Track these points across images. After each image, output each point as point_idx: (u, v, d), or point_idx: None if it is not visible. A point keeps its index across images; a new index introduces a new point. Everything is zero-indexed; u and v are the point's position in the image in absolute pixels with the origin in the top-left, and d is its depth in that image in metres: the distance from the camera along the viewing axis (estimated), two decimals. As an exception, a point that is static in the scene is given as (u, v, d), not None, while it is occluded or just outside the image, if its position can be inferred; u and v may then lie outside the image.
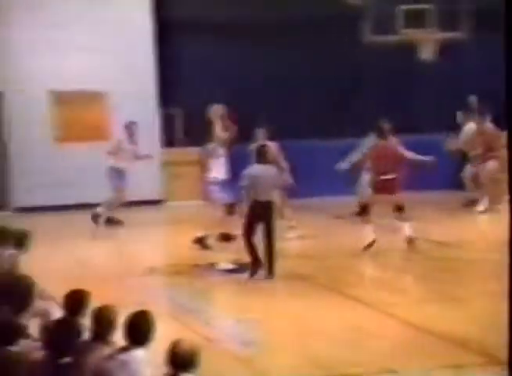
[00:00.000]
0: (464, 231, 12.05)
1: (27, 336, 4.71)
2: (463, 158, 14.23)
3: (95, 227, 12.71)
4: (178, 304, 8.65)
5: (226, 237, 10.75)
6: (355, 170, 12.33)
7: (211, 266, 10.11)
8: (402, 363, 6.71)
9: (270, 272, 9.49)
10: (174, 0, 15.23)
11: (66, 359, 4.77)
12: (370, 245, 10.68)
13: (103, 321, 5.19)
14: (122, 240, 11.93)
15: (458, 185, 14.31)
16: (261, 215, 9.44)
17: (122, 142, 13.14)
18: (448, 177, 14.76)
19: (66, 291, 5.61)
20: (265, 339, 7.51)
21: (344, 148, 13.34)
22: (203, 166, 11.31)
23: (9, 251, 7.14)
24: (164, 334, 5.38)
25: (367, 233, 10.73)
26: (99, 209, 12.89)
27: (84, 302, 5.45)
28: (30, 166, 14.49)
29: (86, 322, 5.34)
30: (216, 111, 11.48)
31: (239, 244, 10.19)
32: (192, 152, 14.42)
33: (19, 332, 4.75)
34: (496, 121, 13.22)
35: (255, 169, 9.67)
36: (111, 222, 13.01)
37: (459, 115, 14.67)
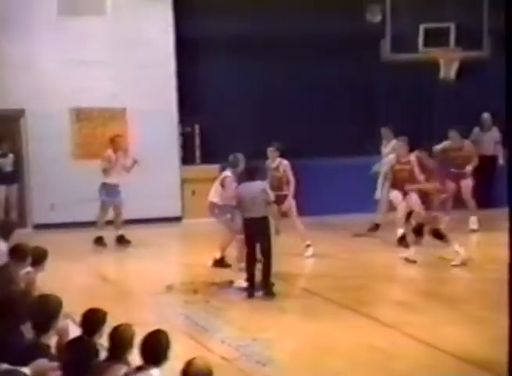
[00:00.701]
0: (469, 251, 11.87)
1: (49, 356, 4.71)
2: None
3: (102, 248, 12.78)
4: (194, 322, 8.63)
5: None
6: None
7: (228, 284, 10.09)
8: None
9: (267, 292, 9.46)
10: (194, 18, 15.28)
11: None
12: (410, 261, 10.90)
13: (120, 340, 5.19)
14: (140, 257, 11.93)
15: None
16: (254, 232, 9.47)
17: (110, 157, 13.17)
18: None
19: (83, 309, 5.61)
20: (281, 358, 7.48)
21: (363, 166, 13.38)
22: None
23: (26, 269, 7.16)
24: (179, 353, 5.37)
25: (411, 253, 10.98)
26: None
27: (101, 322, 5.45)
28: (49, 183, 14.56)
29: (103, 341, 5.34)
30: None
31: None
32: (210, 169, 14.49)
33: (43, 352, 4.76)
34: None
35: (243, 187, 9.73)
36: (121, 241, 13.04)
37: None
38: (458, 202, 13.30)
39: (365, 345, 7.83)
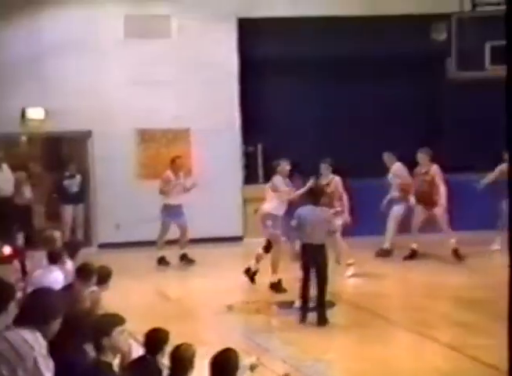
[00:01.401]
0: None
1: (112, 374, 4.76)
2: None
3: (165, 267, 12.90)
4: (256, 342, 8.60)
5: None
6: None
7: (289, 305, 10.06)
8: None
9: (320, 320, 9.21)
10: (257, 38, 15.40)
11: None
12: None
13: (181, 360, 5.22)
14: (202, 276, 12.00)
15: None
16: (311, 258, 9.23)
17: (169, 177, 13.24)
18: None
19: (146, 328, 5.66)
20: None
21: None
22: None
23: (92, 288, 7.26)
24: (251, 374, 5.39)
25: None
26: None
27: (164, 341, 5.49)
28: (115, 203, 14.79)
29: (165, 360, 5.37)
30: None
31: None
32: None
33: (105, 371, 4.80)
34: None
35: (306, 211, 9.43)
36: (184, 259, 13.13)
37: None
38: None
39: (430, 367, 7.72)
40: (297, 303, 9.88)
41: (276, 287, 10.87)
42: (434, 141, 15.14)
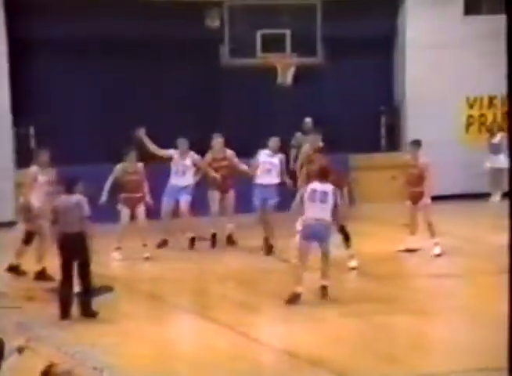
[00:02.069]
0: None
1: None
2: None
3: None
4: (28, 329, 8.29)
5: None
6: None
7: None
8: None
9: (86, 313, 8.86)
10: (26, 18, 14.86)
11: None
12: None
13: None
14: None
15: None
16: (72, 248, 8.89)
17: None
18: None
19: None
20: (121, 363, 7.39)
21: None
22: None
23: None
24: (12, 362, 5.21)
25: None
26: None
27: None
28: None
29: None
30: None
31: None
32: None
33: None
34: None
35: (61, 200, 9.14)
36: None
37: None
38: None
39: (207, 346, 7.90)
40: (75, 289, 9.66)
41: (42, 275, 10.59)
42: (211, 125, 15.44)
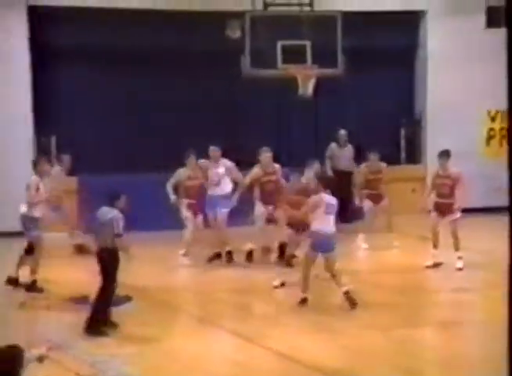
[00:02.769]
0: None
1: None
2: None
3: None
4: (48, 339, 8.32)
5: None
6: None
7: (84, 299, 9.87)
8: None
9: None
10: (50, 28, 14.99)
11: None
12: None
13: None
14: None
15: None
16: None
17: None
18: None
19: None
20: (140, 374, 7.38)
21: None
22: None
23: None
24: (33, 371, 5.23)
25: None
26: None
27: None
28: None
29: None
30: None
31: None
32: (68, 181, 14.20)
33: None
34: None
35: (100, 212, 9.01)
36: None
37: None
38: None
39: (225, 358, 7.90)
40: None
41: (32, 287, 10.52)
42: (231, 136, 15.48)
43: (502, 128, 17.06)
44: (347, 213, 14.05)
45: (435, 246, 11.91)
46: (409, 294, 10.57)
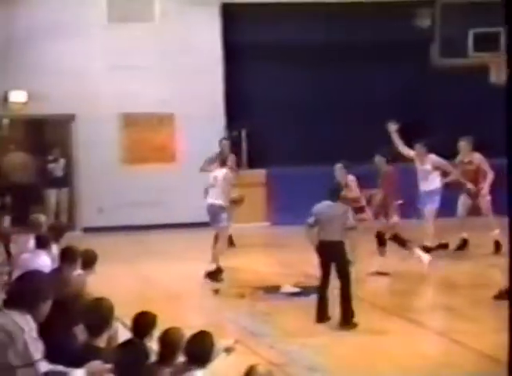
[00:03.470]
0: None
1: (102, 358, 4.76)
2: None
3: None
4: (242, 326, 8.62)
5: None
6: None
7: (275, 289, 10.08)
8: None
9: (344, 320, 8.58)
10: (241, 23, 15.36)
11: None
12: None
13: (170, 344, 5.20)
14: (188, 260, 11.98)
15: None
16: (330, 255, 8.76)
17: None
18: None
19: (132, 313, 5.65)
20: (330, 364, 7.44)
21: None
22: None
23: (78, 272, 7.23)
24: (227, 357, 5.39)
25: None
26: None
27: (151, 325, 5.47)
28: (98, 187, 14.73)
29: (153, 344, 5.37)
30: None
31: (302, 267, 10.16)
32: (256, 174, 14.52)
33: (96, 354, 4.80)
34: None
35: (322, 206, 8.88)
36: None
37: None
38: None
39: (416, 352, 7.77)
40: (284, 288, 9.90)
41: (213, 275, 10.79)
42: (417, 127, 15.19)
43: None
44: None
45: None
46: None
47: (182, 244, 13.15)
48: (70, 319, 5.21)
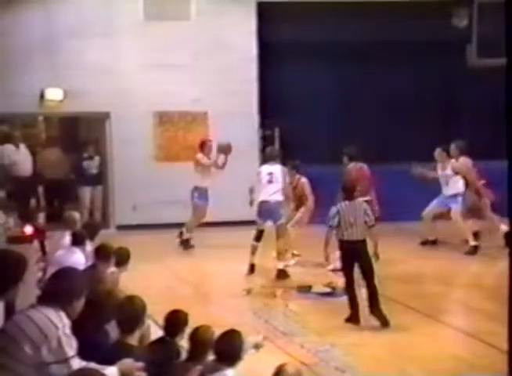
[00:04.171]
0: None
1: (134, 356, 4.81)
2: None
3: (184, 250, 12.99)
4: (273, 326, 8.64)
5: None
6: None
7: (307, 289, 10.09)
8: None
9: (382, 322, 8.55)
10: (276, 23, 15.37)
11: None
12: None
13: (200, 342, 5.25)
14: (220, 259, 12.03)
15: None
16: (354, 255, 8.73)
17: (204, 160, 13.14)
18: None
19: (164, 311, 5.69)
20: (360, 365, 7.43)
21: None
22: None
23: (111, 269, 7.30)
24: (258, 356, 5.41)
25: None
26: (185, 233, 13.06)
27: (183, 323, 5.52)
28: (132, 185, 14.83)
29: (184, 343, 5.41)
30: None
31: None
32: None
33: (128, 352, 4.85)
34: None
35: (344, 206, 8.78)
36: (185, 244, 13.08)
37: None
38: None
39: (447, 353, 7.72)
40: (316, 288, 9.90)
41: (282, 274, 10.82)
42: (454, 128, 15.09)
43: None
44: None
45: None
46: None
47: (214, 243, 13.19)
48: (103, 316, 5.26)
